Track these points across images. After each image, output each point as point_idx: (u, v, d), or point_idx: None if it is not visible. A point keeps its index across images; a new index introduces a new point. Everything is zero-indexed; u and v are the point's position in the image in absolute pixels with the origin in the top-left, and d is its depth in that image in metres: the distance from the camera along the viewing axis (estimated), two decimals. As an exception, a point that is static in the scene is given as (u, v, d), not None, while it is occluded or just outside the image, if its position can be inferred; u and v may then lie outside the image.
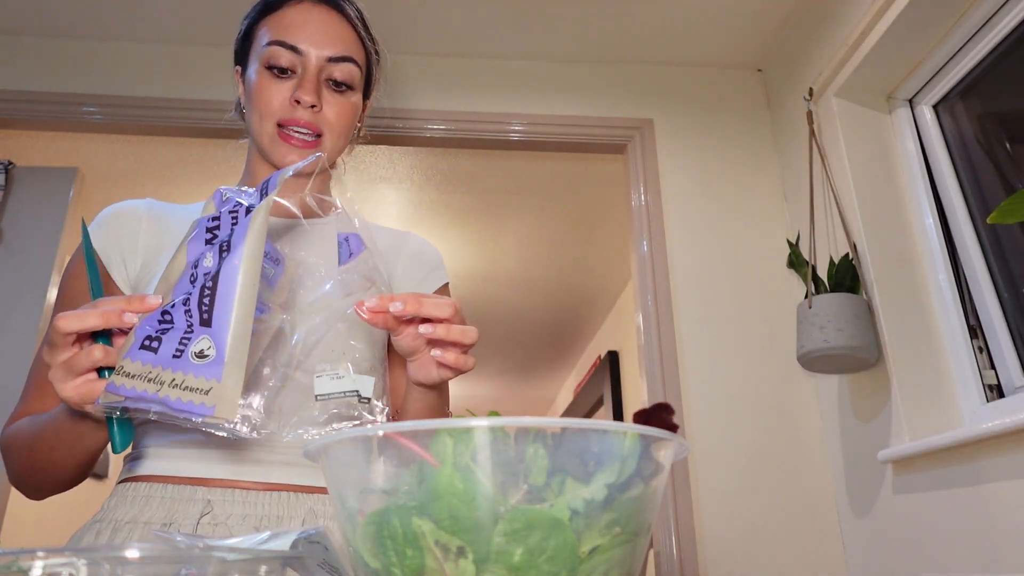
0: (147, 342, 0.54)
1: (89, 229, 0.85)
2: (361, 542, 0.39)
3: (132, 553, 0.32)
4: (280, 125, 0.85)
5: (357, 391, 0.63)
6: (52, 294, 2.19)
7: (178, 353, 0.53)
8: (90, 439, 0.70)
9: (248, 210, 0.58)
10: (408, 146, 2.52)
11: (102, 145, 2.63)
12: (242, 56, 0.93)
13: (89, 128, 2.15)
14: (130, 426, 0.66)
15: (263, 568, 0.36)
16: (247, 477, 0.77)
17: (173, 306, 0.55)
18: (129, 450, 0.83)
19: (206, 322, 0.53)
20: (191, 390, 0.52)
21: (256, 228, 0.55)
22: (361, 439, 0.40)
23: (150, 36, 2.17)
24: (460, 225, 3.28)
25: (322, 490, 0.80)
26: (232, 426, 0.54)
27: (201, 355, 0.52)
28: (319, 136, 0.86)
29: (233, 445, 0.77)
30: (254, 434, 0.57)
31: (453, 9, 2.10)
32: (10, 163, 2.25)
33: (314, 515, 0.78)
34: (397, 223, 3.18)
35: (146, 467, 0.79)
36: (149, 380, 0.53)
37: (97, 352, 0.58)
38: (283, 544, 0.42)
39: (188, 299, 0.55)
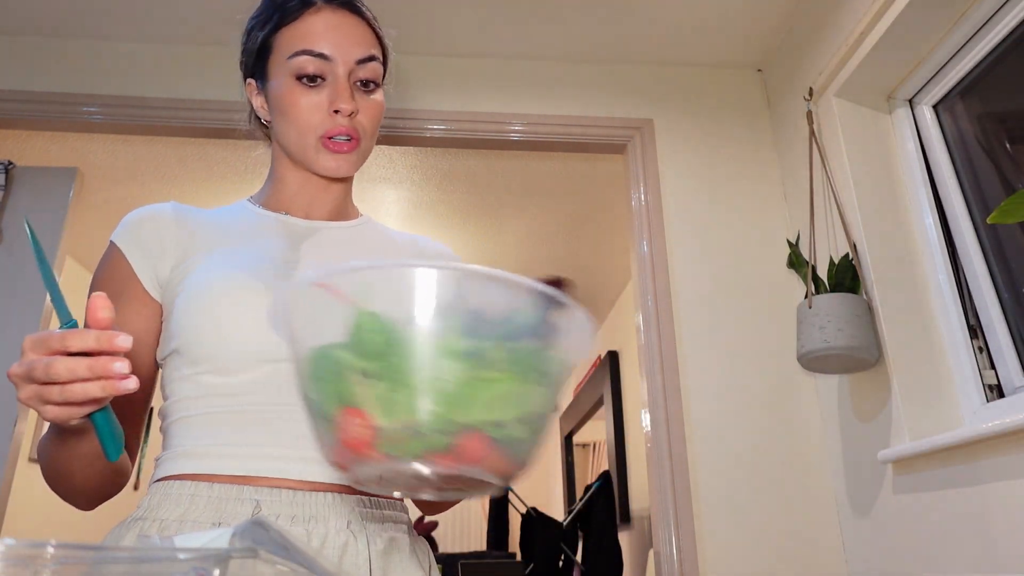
0: None
1: (116, 235, 0.86)
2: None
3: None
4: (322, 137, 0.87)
5: None
6: (52, 294, 2.19)
7: None
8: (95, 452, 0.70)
9: None
10: (408, 146, 2.52)
11: (102, 145, 2.63)
12: (258, 69, 0.92)
13: (89, 128, 2.15)
14: (115, 427, 0.62)
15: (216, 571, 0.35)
16: (293, 475, 0.76)
17: None
18: (162, 449, 0.82)
19: None
20: None
21: None
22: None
23: (150, 36, 2.16)
24: (460, 225, 3.28)
25: (365, 492, 0.79)
26: None
27: None
28: (356, 140, 0.89)
29: (279, 442, 0.77)
30: None
31: (453, 9, 2.10)
32: (10, 163, 2.24)
33: (359, 517, 0.78)
34: (397, 223, 3.18)
35: (187, 465, 0.77)
36: None
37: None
38: (223, 538, 0.41)
39: None
